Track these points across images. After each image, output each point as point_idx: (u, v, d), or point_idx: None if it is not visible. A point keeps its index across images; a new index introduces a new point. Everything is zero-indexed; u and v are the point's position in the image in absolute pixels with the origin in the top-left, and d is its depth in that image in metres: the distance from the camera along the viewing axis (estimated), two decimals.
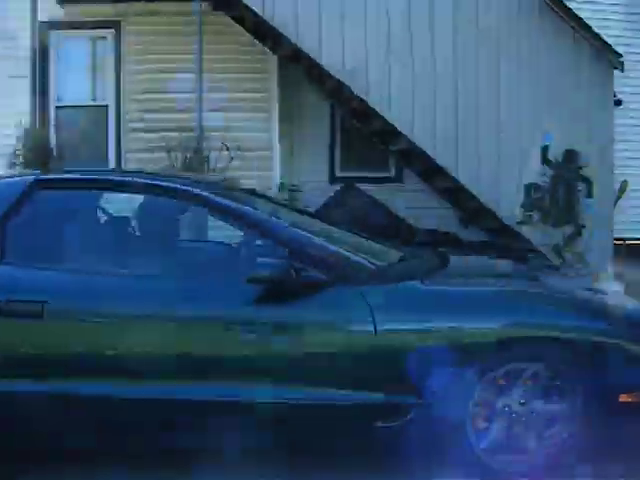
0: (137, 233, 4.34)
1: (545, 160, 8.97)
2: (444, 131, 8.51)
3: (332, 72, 8.33)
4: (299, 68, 9.05)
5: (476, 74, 8.62)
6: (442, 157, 8.52)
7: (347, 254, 3.78)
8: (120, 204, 4.35)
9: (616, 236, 9.66)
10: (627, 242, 11.16)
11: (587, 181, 9.17)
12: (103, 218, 4.38)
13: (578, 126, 9.05)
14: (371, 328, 3.39)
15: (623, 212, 10.36)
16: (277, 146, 9.32)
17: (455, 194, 9.24)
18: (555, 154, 8.98)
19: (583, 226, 9.14)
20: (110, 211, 4.37)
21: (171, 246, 4.20)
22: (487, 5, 8.71)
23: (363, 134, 9.41)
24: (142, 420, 3.52)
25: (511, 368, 3.49)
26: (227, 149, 8.83)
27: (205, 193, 3.90)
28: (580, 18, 8.95)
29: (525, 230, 8.89)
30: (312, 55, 8.30)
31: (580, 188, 9.16)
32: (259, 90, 9.46)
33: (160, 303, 3.52)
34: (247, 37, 9.10)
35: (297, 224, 4.05)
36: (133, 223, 4.37)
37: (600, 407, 3.48)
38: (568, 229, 9.10)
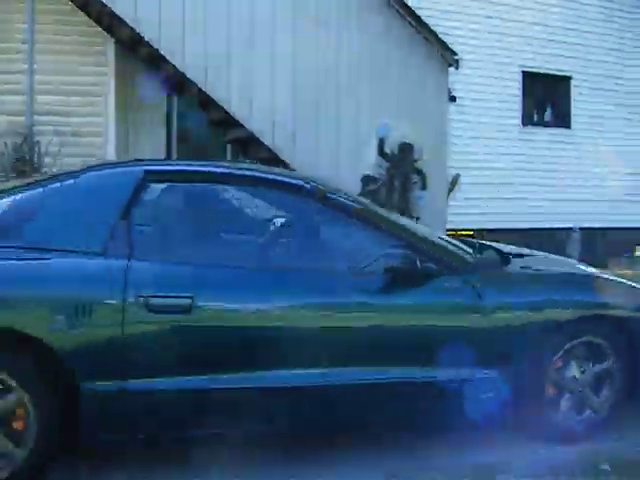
0: (262, 228, 4.33)
1: (382, 153, 9.21)
2: (283, 122, 8.55)
3: (171, 61, 8.15)
4: (138, 54, 8.79)
5: (316, 67, 8.71)
6: (281, 148, 8.56)
7: (452, 248, 4.26)
8: (234, 197, 4.29)
9: (448, 227, 10.08)
10: (459, 233, 11.68)
11: (421, 174, 9.51)
12: (225, 211, 4.32)
13: (414, 120, 9.36)
14: (481, 310, 3.88)
15: (455, 204, 10.82)
16: (113, 133, 8.98)
17: None
18: (392, 147, 9.24)
19: (418, 218, 9.46)
20: (232, 205, 4.31)
21: (301, 240, 4.21)
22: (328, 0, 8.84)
23: (201, 123, 9.28)
24: (291, 403, 3.70)
25: (581, 341, 4.10)
26: (60, 134, 8.46)
27: (337, 196, 4.01)
28: (418, 16, 9.25)
29: None
30: (151, 43, 8.08)
31: (415, 180, 9.48)
32: (95, 74, 9.06)
33: (301, 294, 3.73)
34: (84, 19, 8.73)
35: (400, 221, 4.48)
36: (254, 217, 4.40)
37: None
38: None
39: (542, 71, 12.87)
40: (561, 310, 4.09)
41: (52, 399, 3.32)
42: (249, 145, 8.97)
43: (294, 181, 4.06)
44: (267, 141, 8.42)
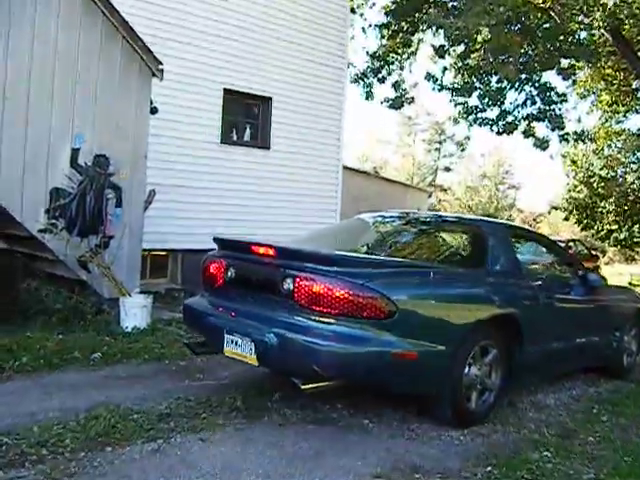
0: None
1: (74, 164, 8.29)
2: None
3: None
4: None
5: (4, 68, 7.56)
6: None
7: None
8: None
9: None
10: (152, 253, 11.05)
11: (117, 189, 8.74)
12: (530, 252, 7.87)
13: (113, 131, 8.58)
14: (617, 302, 7.83)
15: (149, 222, 10.14)
16: None
17: None
18: (86, 159, 8.37)
19: (111, 237, 8.69)
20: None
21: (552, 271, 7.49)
22: None
23: None
24: (572, 354, 7.04)
25: (635, 322, 8.14)
26: None
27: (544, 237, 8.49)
28: (124, 19, 8.48)
29: (49, 239, 8.07)
30: None
31: (110, 196, 8.69)
32: None
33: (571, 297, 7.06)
34: None
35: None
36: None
37: None
38: (95, 239, 8.55)
39: (244, 90, 12.69)
40: (631, 304, 8.08)
41: (505, 357, 5.73)
42: None
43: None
44: None
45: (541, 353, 6.24)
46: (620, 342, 7.80)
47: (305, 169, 13.68)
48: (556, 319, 6.53)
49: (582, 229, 27.87)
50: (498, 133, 16.90)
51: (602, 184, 26.15)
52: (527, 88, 16.37)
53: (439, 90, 17.13)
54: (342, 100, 14.45)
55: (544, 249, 7.62)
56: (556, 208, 29.55)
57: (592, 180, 26.35)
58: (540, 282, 6.54)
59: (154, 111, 9.24)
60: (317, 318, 4.87)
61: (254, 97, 12.91)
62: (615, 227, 26.47)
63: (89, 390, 5.79)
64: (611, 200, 26.27)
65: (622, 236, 26.24)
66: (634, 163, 26.01)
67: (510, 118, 16.77)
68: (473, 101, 17.47)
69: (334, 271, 4.89)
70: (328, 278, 4.86)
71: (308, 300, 4.92)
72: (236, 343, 5.22)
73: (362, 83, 17.57)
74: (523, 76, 15.92)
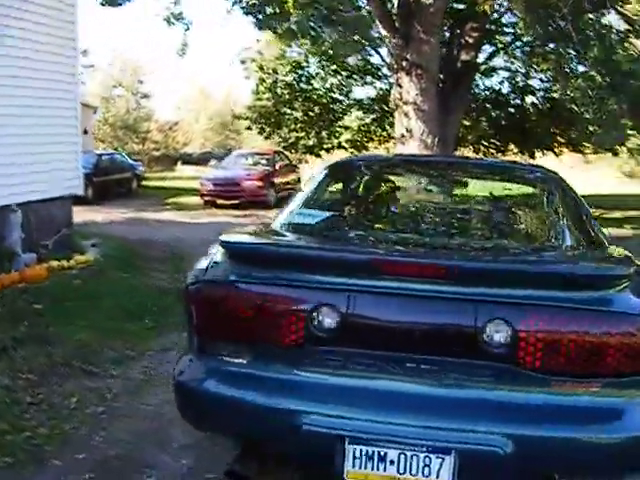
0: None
1: None
2: None
3: None
4: None
5: None
6: None
7: None
8: None
9: None
10: None
11: None
12: None
13: None
14: None
15: None
16: None
17: None
18: None
19: None
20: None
21: None
22: None
23: None
24: None
25: None
26: None
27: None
28: None
29: None
30: None
31: None
32: None
33: None
34: None
35: None
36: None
37: None
38: None
39: None
40: None
41: None
42: None
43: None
44: None
45: None
46: None
47: (36, 89, 10.05)
48: None
49: (265, 138, 26.77)
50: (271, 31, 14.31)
51: (287, 90, 25.03)
52: None
53: None
54: None
55: None
56: (239, 117, 27.98)
57: (277, 86, 25.09)
58: None
59: None
60: (576, 389, 2.83)
61: None
62: (302, 134, 25.69)
63: None
64: (296, 106, 25.37)
65: (311, 142, 25.60)
66: (315, 66, 25.24)
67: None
68: None
69: (595, 298, 2.81)
70: (590, 313, 2.80)
71: (554, 360, 2.82)
72: (382, 459, 2.72)
73: None
74: None
